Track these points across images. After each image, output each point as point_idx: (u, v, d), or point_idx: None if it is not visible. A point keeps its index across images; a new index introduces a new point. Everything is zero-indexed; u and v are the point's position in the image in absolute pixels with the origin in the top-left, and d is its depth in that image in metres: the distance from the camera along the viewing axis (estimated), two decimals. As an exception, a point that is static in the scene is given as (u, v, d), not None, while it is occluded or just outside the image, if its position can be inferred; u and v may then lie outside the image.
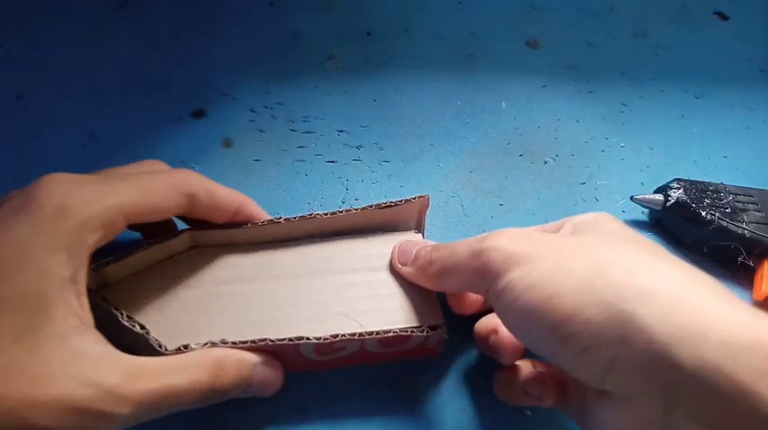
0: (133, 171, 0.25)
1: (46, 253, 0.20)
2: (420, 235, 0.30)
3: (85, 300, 0.21)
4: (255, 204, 0.28)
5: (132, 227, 0.26)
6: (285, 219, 0.28)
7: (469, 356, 0.29)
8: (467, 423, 0.27)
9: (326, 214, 0.28)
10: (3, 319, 0.19)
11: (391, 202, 0.28)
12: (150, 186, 0.24)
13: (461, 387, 0.28)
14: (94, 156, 0.35)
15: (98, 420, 0.19)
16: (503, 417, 0.27)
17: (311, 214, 0.28)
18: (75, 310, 0.21)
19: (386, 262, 0.28)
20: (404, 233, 0.29)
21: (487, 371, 0.28)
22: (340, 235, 0.29)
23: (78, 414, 0.19)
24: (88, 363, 0.20)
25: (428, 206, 0.30)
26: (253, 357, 0.24)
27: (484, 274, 0.22)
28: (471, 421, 0.27)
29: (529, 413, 0.27)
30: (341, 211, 0.28)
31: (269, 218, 0.28)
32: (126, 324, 0.24)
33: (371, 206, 0.28)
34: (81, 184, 0.22)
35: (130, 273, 0.26)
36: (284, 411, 0.27)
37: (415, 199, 0.28)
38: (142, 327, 0.24)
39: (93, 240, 0.22)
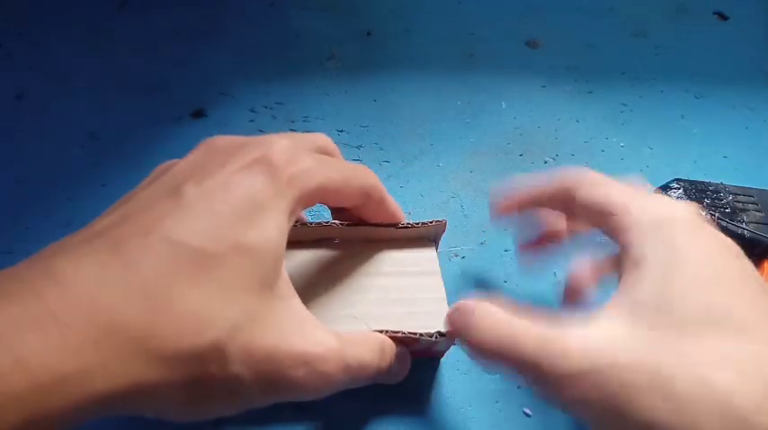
0: (316, 144, 0.25)
1: (282, 213, 0.20)
2: (435, 250, 0.30)
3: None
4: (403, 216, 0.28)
5: None
6: (301, 224, 0.28)
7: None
8: (467, 423, 0.27)
9: (344, 224, 0.28)
10: (247, 265, 0.19)
11: (409, 224, 0.28)
12: (348, 176, 0.24)
13: (461, 387, 0.28)
14: (94, 156, 0.35)
15: (323, 381, 0.20)
16: (502, 417, 0.27)
17: (328, 222, 0.28)
18: (284, 273, 0.21)
19: (398, 267, 0.28)
20: (420, 249, 0.30)
21: (488, 371, 0.28)
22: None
23: (314, 371, 0.19)
24: (311, 325, 0.20)
25: (444, 230, 0.30)
26: (394, 346, 0.25)
27: None
28: (471, 421, 0.27)
29: (529, 413, 0.27)
30: (358, 224, 0.28)
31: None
32: None
33: (389, 224, 0.28)
34: (310, 155, 0.22)
35: None
36: (284, 411, 0.27)
37: (432, 223, 0.29)
38: None
39: (299, 212, 0.22)
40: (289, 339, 0.19)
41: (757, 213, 0.33)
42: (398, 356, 0.25)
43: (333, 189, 0.23)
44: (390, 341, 0.25)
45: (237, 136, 0.23)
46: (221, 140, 0.22)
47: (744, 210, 0.33)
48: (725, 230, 0.32)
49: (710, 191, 0.34)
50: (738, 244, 0.32)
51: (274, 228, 0.20)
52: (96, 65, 0.40)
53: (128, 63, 0.41)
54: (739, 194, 0.34)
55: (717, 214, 0.32)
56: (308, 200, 0.22)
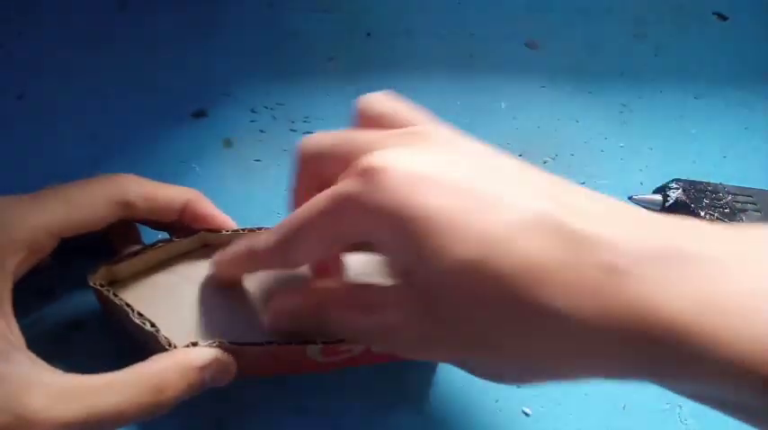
0: (70, 185, 0.25)
1: None
2: None
3: (13, 322, 0.21)
4: (204, 200, 0.27)
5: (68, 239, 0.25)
6: None
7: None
8: (467, 422, 0.27)
9: None
10: None
11: None
12: (79, 200, 0.24)
13: (461, 387, 0.28)
14: (94, 156, 0.35)
15: None
16: (502, 417, 0.27)
17: None
18: (2, 334, 0.20)
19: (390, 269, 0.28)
20: None
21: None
22: None
23: None
24: (9, 389, 0.19)
25: None
26: (202, 358, 0.23)
27: None
28: (471, 421, 0.27)
29: (529, 412, 0.28)
30: None
31: (220, 214, 0.27)
32: (137, 321, 0.24)
33: None
34: (4, 208, 0.22)
35: (142, 270, 0.27)
36: (284, 411, 0.27)
37: None
38: (152, 325, 0.24)
39: (14, 263, 0.22)
40: None
41: (756, 213, 0.33)
42: (223, 359, 0.23)
43: (60, 225, 0.23)
44: (182, 364, 0.22)
45: None
46: None
47: (743, 211, 0.33)
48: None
49: (709, 191, 0.34)
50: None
51: None
52: (96, 65, 0.40)
53: (128, 63, 0.41)
54: (738, 194, 0.34)
55: (715, 214, 0.33)
56: (19, 250, 0.22)
